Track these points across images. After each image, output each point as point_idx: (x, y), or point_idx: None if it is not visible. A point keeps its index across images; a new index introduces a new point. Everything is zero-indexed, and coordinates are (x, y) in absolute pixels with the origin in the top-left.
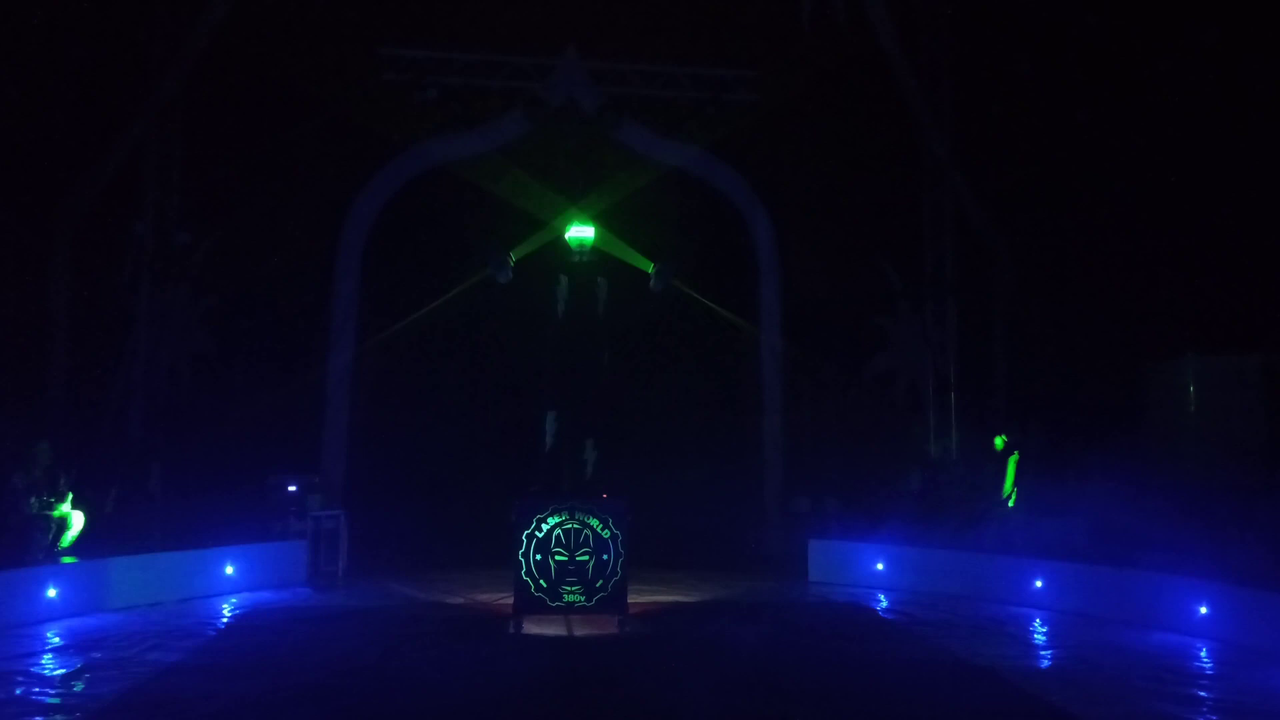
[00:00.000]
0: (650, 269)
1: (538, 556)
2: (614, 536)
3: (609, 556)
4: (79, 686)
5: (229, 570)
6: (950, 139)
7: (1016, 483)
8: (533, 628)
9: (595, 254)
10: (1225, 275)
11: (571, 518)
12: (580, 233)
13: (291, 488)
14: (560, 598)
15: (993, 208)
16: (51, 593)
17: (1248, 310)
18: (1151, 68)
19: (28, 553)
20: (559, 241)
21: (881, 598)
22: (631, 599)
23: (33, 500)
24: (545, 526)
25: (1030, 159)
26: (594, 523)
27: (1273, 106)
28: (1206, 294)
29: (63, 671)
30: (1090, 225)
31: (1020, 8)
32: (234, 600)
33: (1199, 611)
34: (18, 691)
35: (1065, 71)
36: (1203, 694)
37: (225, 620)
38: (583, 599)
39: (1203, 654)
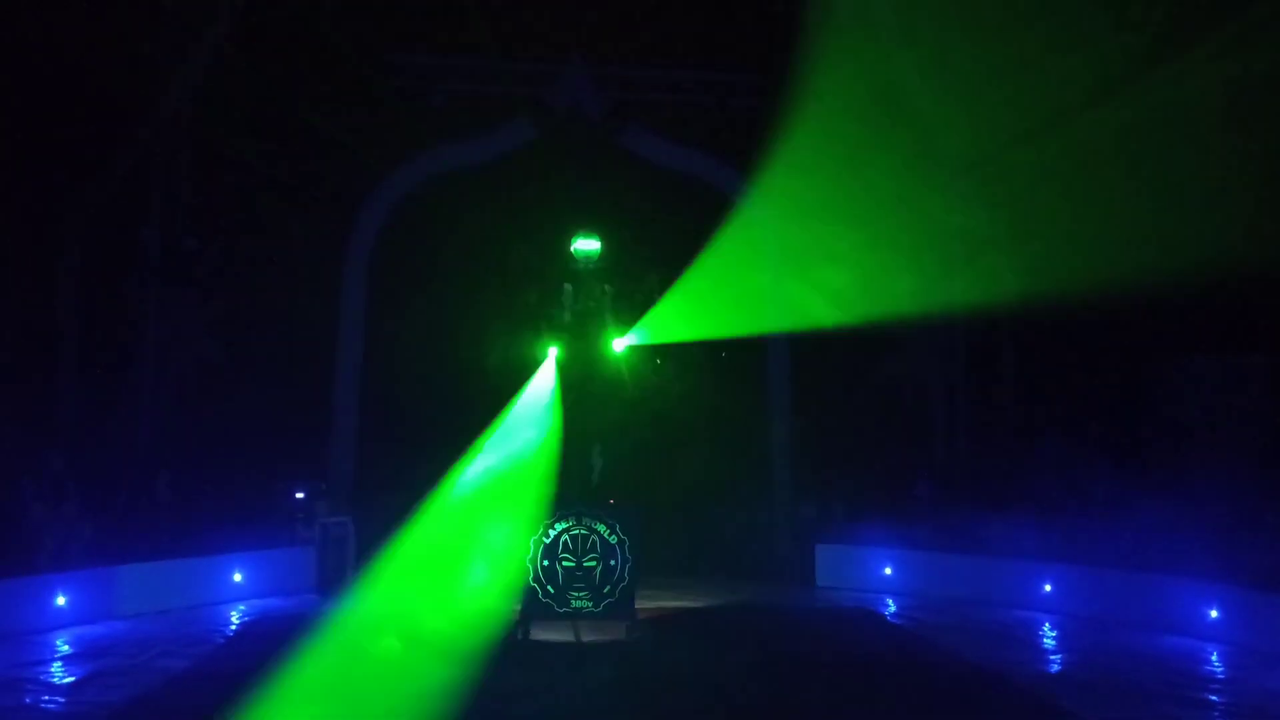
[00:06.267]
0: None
1: (545, 562)
2: (621, 542)
3: (616, 562)
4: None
5: (237, 577)
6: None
7: None
8: (540, 634)
9: (600, 258)
10: (1232, 277)
11: (579, 524)
12: (586, 245)
13: (299, 494)
14: (568, 604)
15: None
16: (60, 600)
17: (1255, 312)
18: (1157, 70)
19: (37, 559)
20: (564, 246)
21: (890, 602)
22: (639, 605)
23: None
24: (553, 532)
25: (1036, 161)
26: (601, 529)
27: (1278, 106)
28: (1213, 295)
29: (72, 679)
30: (1097, 228)
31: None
32: (242, 607)
33: (1209, 615)
34: (27, 699)
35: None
36: (1214, 698)
37: (234, 627)
38: (590, 605)
39: (1213, 658)
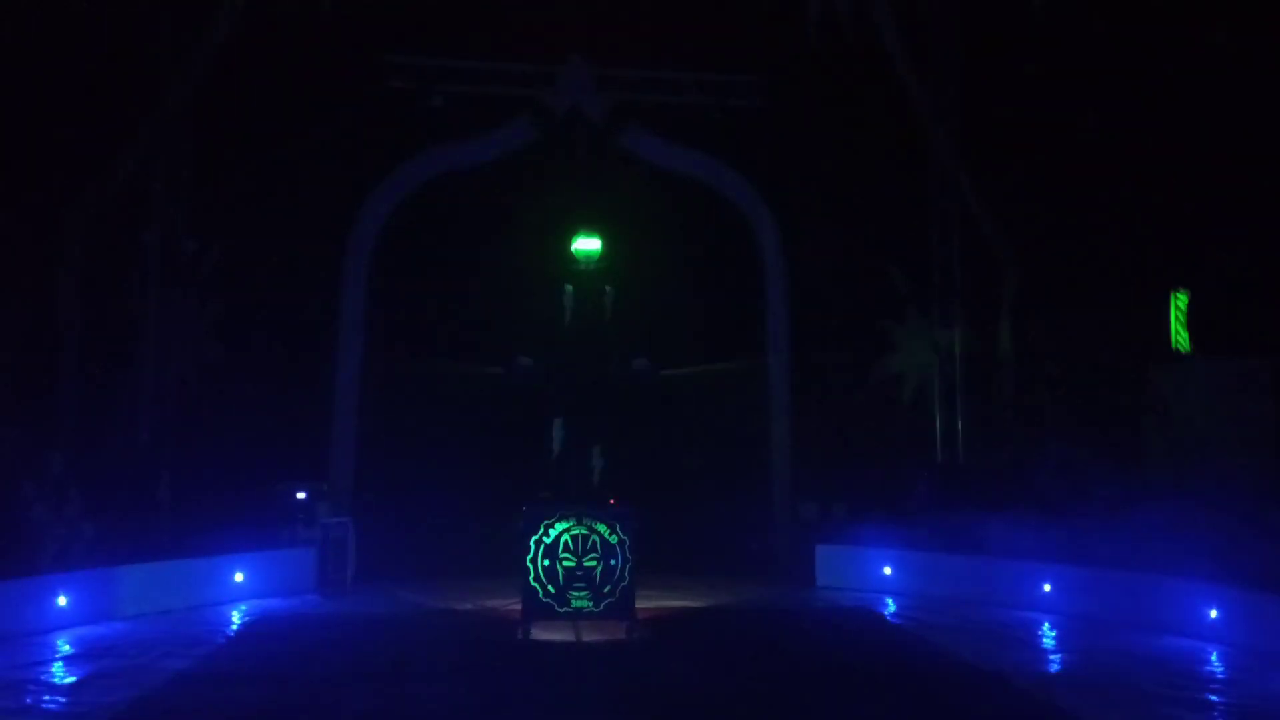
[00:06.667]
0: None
1: (546, 562)
2: (622, 542)
3: (616, 562)
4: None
5: (238, 578)
6: (957, 143)
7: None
8: (541, 633)
9: (601, 259)
10: (1233, 278)
11: (579, 524)
12: (586, 245)
13: (300, 495)
14: (568, 603)
15: (1000, 211)
16: (62, 601)
17: (1255, 313)
18: (1158, 71)
19: (38, 561)
20: (564, 247)
21: (889, 602)
22: (639, 604)
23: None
24: (553, 532)
25: (1037, 163)
26: (602, 528)
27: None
28: (1214, 297)
29: (73, 679)
30: (1098, 228)
31: (1026, 12)
32: (243, 607)
33: (1209, 615)
34: (28, 700)
35: (1072, 75)
36: (1214, 699)
37: (235, 628)
38: (590, 605)
39: (1213, 658)
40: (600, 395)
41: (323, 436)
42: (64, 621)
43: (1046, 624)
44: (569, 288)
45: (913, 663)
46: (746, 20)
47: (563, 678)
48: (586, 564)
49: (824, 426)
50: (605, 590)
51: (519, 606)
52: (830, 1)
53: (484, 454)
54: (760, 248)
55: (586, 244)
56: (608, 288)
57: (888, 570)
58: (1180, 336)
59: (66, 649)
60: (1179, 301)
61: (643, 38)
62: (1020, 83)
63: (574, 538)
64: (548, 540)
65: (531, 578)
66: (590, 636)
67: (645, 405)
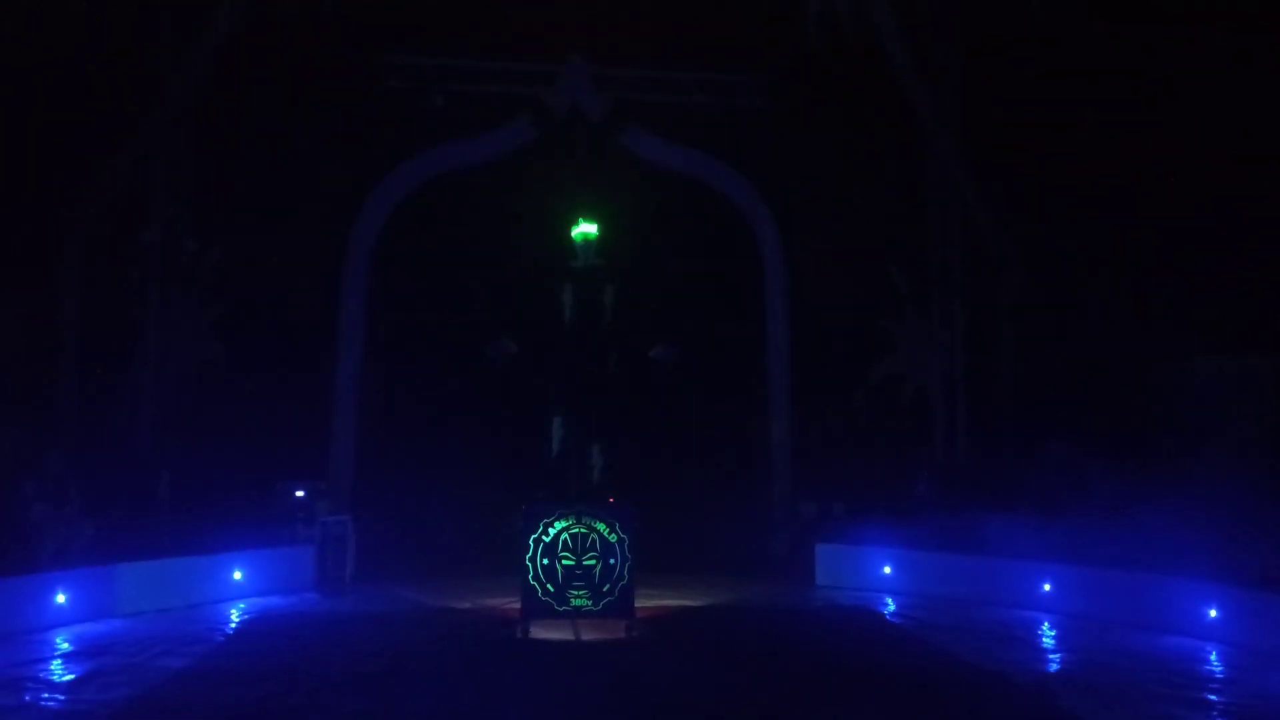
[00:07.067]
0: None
1: (545, 561)
2: (621, 541)
3: (616, 561)
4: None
5: (237, 576)
6: (957, 143)
7: None
8: (540, 632)
9: (601, 258)
10: (1235, 278)
11: (578, 522)
12: (584, 229)
13: (299, 494)
14: (567, 602)
15: (1000, 211)
16: (61, 599)
17: (1257, 313)
18: (1158, 71)
19: (37, 559)
20: (564, 247)
21: (889, 601)
22: (639, 603)
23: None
24: (552, 531)
25: (1038, 162)
26: (601, 527)
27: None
28: (1216, 297)
29: (72, 677)
30: (1098, 228)
31: (1026, 12)
32: (242, 605)
33: (1209, 615)
34: (26, 697)
35: (1072, 75)
36: (1213, 698)
37: (234, 626)
38: (590, 603)
39: (1212, 657)
40: (600, 393)
41: (322, 435)
42: (63, 619)
43: (1046, 623)
44: (568, 287)
45: (913, 662)
46: (746, 20)
47: (561, 676)
48: (586, 563)
49: (824, 426)
50: (604, 589)
51: (518, 605)
52: (830, 1)
53: (483, 453)
54: (760, 247)
55: (584, 228)
56: (608, 287)
57: (887, 569)
58: None
59: (65, 647)
60: None
61: (643, 38)
62: (1020, 83)
63: (573, 536)
64: (547, 539)
65: (530, 576)
66: (589, 635)
67: (645, 404)
